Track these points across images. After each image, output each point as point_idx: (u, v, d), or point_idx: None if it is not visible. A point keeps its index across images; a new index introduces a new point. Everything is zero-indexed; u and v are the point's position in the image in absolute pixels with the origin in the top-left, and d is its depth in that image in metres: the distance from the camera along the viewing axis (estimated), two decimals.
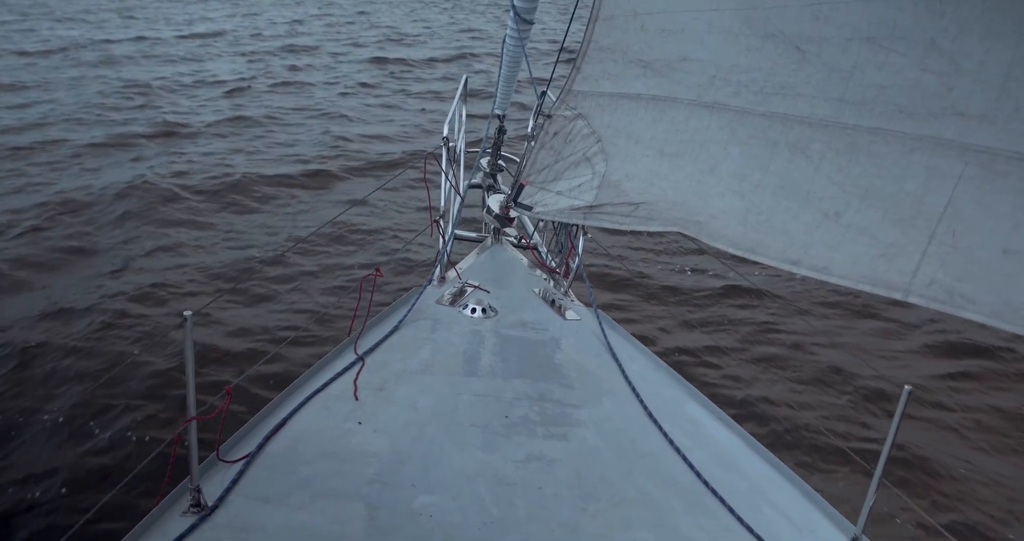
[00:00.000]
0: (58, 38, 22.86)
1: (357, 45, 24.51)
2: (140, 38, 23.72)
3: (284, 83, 18.11)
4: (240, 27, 27.32)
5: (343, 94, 17.37)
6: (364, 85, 18.46)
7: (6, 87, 16.25)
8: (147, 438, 5.07)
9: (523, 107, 11.50)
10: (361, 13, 33.42)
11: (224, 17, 29.96)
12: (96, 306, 6.88)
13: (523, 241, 5.10)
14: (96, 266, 7.87)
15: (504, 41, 4.46)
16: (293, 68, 20.10)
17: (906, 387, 2.34)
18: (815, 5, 2.32)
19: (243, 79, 18.16)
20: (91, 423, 5.25)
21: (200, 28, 26.33)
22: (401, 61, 21.63)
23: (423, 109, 16.03)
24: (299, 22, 29.59)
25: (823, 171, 2.44)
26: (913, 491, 4.95)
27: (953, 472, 5.20)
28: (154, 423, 5.23)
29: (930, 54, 2.07)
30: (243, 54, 21.90)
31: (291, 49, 22.94)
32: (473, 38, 26.53)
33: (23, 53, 20.34)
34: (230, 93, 16.84)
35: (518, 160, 4.32)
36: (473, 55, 23.01)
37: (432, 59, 22.26)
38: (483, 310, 3.85)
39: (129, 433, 5.12)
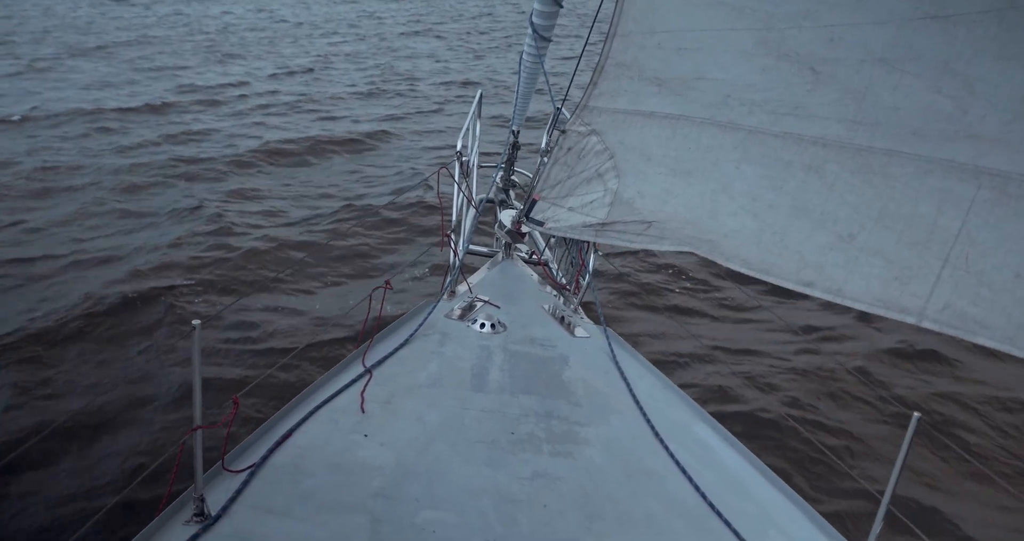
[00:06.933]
0: None
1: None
2: None
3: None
4: None
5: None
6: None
7: None
8: (152, 446, 5.07)
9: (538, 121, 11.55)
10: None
11: None
12: (105, 312, 6.92)
13: (534, 257, 5.09)
14: (102, 274, 7.93)
15: (521, 58, 4.47)
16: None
17: (915, 414, 2.30)
18: (829, 26, 2.32)
19: None
20: (97, 429, 5.26)
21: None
22: None
23: None
24: None
25: (837, 192, 2.42)
26: (922, 520, 4.88)
27: (965, 502, 5.13)
28: (160, 431, 5.23)
29: (944, 76, 2.06)
30: None
31: None
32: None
33: None
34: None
35: (531, 176, 4.32)
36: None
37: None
38: (492, 325, 3.84)
39: (134, 440, 5.13)
